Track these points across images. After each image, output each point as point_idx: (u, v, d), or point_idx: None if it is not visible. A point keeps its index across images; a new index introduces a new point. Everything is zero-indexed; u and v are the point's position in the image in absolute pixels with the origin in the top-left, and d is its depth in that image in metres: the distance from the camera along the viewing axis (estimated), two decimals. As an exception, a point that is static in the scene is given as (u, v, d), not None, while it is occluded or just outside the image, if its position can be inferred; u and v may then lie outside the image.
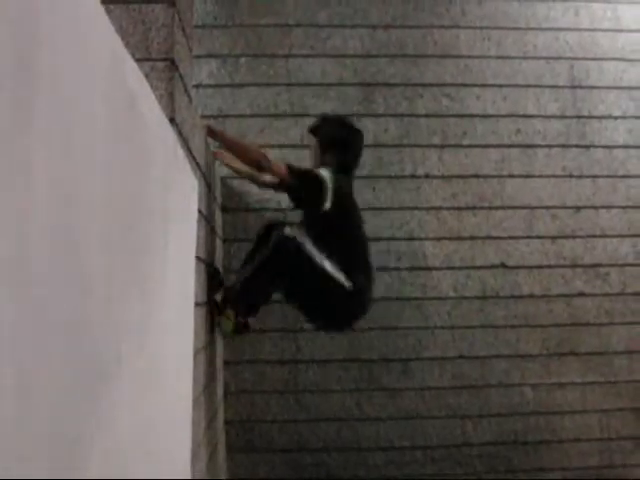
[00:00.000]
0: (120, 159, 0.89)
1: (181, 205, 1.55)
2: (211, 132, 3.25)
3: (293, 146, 4.06)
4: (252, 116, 4.07)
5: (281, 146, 4.06)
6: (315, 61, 4.09)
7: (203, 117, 4.01)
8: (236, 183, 4.05)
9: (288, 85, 4.08)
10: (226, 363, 3.95)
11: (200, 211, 2.75)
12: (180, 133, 2.10)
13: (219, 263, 3.88)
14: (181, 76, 2.12)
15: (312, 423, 3.96)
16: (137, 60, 1.99)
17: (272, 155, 3.34)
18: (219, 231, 3.86)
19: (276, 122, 4.07)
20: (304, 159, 4.05)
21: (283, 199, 4.04)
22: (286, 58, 4.10)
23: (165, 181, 1.26)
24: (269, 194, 4.03)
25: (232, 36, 4.10)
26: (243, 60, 4.10)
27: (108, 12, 2.01)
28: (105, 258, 0.89)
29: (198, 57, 4.07)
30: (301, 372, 3.99)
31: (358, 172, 4.04)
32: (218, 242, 3.85)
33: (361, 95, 4.10)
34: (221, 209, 4.01)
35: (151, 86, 2.00)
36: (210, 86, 4.09)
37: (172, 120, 1.99)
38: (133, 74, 0.96)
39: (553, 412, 4.00)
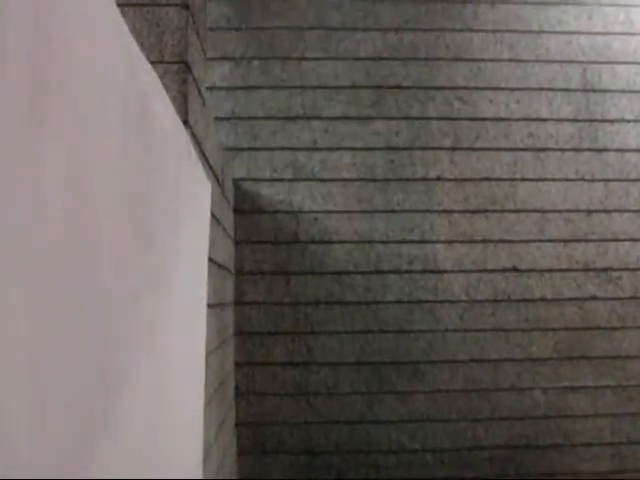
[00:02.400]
0: (132, 158, 0.90)
1: (193, 206, 1.56)
2: None
3: (306, 149, 4.07)
4: (265, 118, 4.08)
5: (293, 149, 4.08)
6: (327, 64, 4.10)
7: (216, 119, 4.03)
8: (249, 185, 4.06)
9: (301, 88, 4.09)
10: (237, 365, 3.96)
11: (212, 213, 2.77)
12: (193, 135, 2.11)
13: (230, 265, 3.90)
14: (195, 78, 2.14)
15: (323, 425, 3.97)
16: (151, 62, 2.01)
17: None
18: (231, 233, 3.87)
19: (288, 124, 4.08)
20: (318, 161, 4.07)
21: (295, 201, 4.06)
22: (299, 61, 4.11)
23: (177, 181, 1.27)
24: (282, 196, 4.06)
25: (245, 39, 4.12)
26: (256, 63, 4.12)
27: (122, 14, 2.03)
28: (117, 259, 0.90)
29: (211, 59, 4.09)
30: (312, 374, 4.00)
31: (369, 175, 4.07)
32: (230, 244, 3.87)
33: (373, 98, 4.11)
34: (233, 211, 4.03)
35: (165, 88, 2.02)
36: (223, 88, 4.10)
37: (186, 122, 2.00)
38: (146, 73, 0.97)
39: (564, 416, 3.99)
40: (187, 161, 1.37)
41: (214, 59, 4.09)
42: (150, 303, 1.22)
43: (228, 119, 4.08)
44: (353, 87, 4.10)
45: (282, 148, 4.08)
